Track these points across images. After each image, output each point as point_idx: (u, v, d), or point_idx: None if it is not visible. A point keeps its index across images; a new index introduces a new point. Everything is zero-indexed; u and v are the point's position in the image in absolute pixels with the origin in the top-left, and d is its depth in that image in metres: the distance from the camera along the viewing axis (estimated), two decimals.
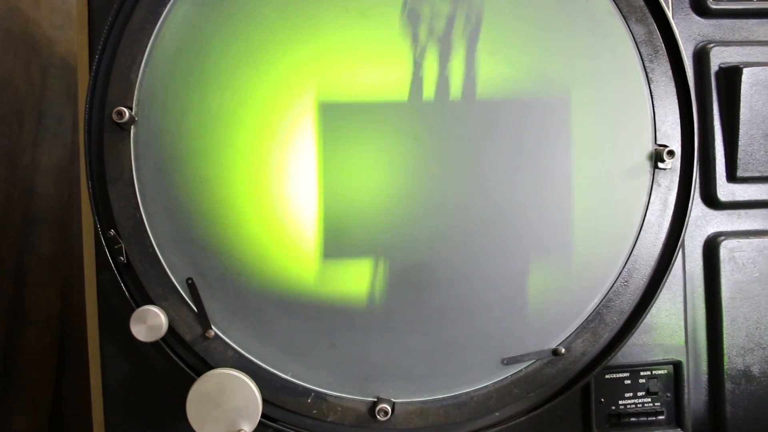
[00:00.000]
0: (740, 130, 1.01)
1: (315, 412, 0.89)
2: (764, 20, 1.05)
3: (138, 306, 0.87)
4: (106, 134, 0.88)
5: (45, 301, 1.53)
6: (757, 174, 1.02)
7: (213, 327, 0.88)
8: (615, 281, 0.93)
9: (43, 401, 1.49)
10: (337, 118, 0.89)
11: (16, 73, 1.44)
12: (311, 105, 0.90)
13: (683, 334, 1.00)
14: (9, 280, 1.37)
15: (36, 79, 1.54)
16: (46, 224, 1.56)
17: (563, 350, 0.91)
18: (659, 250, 0.94)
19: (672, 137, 0.93)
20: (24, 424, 1.41)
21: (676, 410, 1.00)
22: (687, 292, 1.01)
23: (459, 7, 0.90)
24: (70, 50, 1.73)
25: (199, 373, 0.86)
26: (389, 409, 0.88)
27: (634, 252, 0.93)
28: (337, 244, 0.89)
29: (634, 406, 0.99)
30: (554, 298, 0.91)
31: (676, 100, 0.94)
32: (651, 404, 1.00)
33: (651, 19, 0.94)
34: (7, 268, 1.36)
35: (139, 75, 0.88)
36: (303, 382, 0.89)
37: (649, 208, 0.93)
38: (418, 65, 0.89)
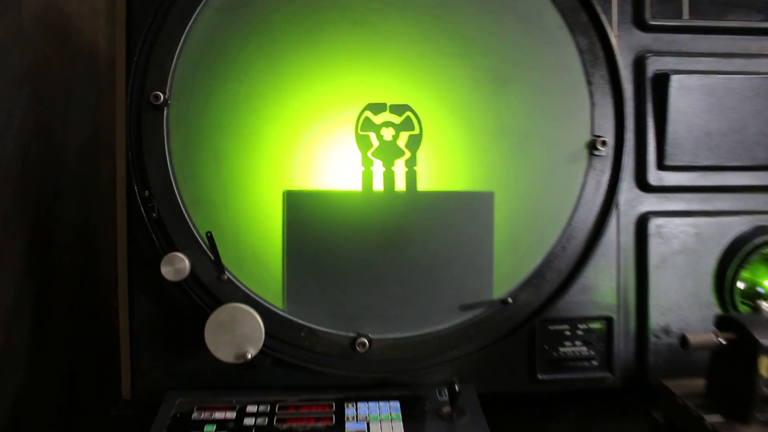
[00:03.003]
0: (668, 127, 1.25)
1: (307, 343, 1.13)
2: (693, 35, 1.29)
3: (166, 254, 1.10)
4: (144, 113, 1.12)
5: (69, 263, 1.77)
6: (681, 163, 1.26)
7: (227, 272, 1.12)
8: (555, 245, 1.17)
9: (64, 352, 1.73)
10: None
11: (52, 60, 1.67)
12: (310, 97, 1.14)
13: (615, 294, 1.24)
14: (37, 245, 1.60)
15: (66, 65, 1.77)
16: (72, 195, 1.80)
17: (510, 300, 1.16)
18: (593, 221, 1.18)
19: (606, 130, 1.18)
20: (49, 371, 1.64)
21: (607, 358, 1.24)
22: (620, 260, 1.25)
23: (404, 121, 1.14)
24: (93, 39, 1.96)
25: (214, 310, 1.10)
26: (367, 343, 1.12)
27: (571, 222, 1.17)
28: (328, 219, 1.13)
29: (572, 353, 1.23)
30: (504, 257, 1.16)
31: (611, 100, 1.18)
32: (586, 352, 1.24)
33: (593, 32, 1.18)
34: (38, 234, 1.59)
35: (173, 66, 1.12)
36: (298, 319, 1.13)
37: (586, 187, 1.17)
38: (371, 162, 1.14)
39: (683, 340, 0.91)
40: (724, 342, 0.89)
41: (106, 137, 2.10)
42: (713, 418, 0.89)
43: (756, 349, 0.85)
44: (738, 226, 1.28)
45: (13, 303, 1.46)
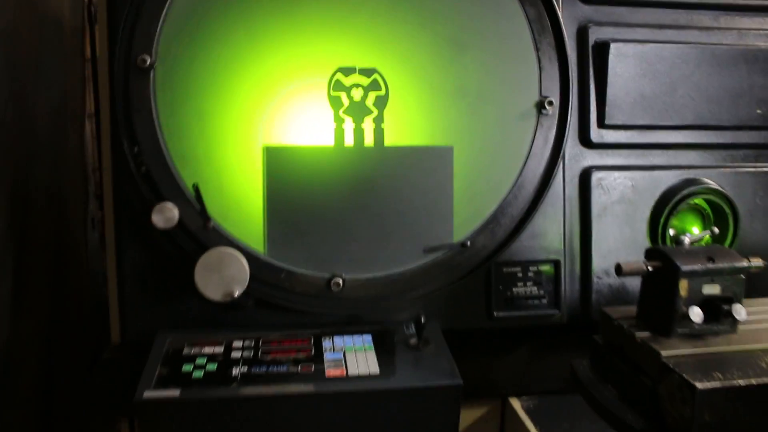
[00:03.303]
0: (608, 90, 1.41)
1: (286, 284, 1.26)
2: (630, 8, 1.45)
3: (154, 205, 1.21)
4: (131, 76, 1.22)
5: (44, 225, 1.85)
6: (619, 123, 1.42)
7: (212, 220, 1.23)
8: (507, 194, 1.32)
9: (43, 309, 1.81)
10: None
11: (21, 26, 1.74)
12: (286, 60, 1.26)
13: (562, 240, 1.41)
14: (16, 208, 1.68)
15: (35, 32, 1.84)
16: (45, 159, 1.87)
17: (469, 244, 1.31)
18: (541, 173, 1.34)
19: (552, 91, 1.33)
20: (29, 328, 1.73)
21: (555, 297, 1.41)
22: (566, 209, 1.41)
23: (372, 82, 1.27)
24: (58, 7, 2.03)
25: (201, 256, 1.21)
26: (341, 282, 1.26)
27: (522, 174, 1.32)
28: (304, 172, 1.26)
29: (524, 292, 1.39)
30: (463, 205, 1.30)
31: (557, 65, 1.33)
32: (537, 291, 1.40)
33: (540, 4, 1.32)
34: (16, 197, 1.67)
35: (158, 31, 1.22)
36: (278, 262, 1.26)
37: (534, 142, 1.33)
38: (342, 120, 1.27)
39: (618, 267, 1.07)
40: (651, 268, 1.05)
41: (72, 103, 2.17)
42: (642, 335, 1.05)
43: (677, 274, 1.02)
44: (669, 179, 1.45)
45: None
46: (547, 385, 1.44)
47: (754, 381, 0.91)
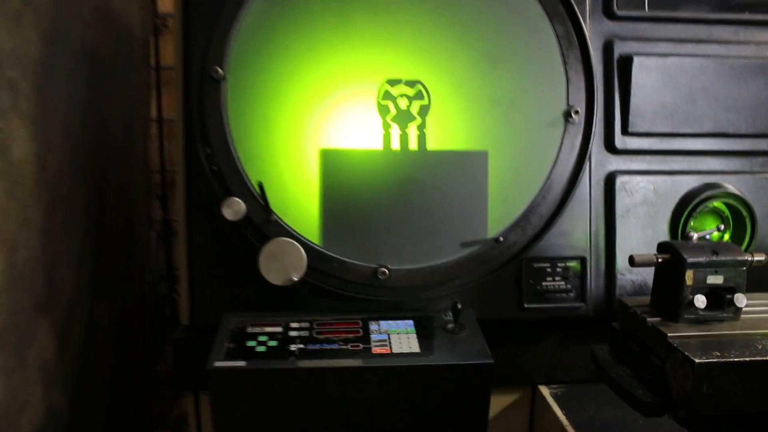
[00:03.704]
0: (631, 100, 1.56)
1: (338, 273, 1.44)
2: (652, 24, 1.60)
3: (223, 200, 1.41)
4: (206, 86, 1.42)
5: (116, 220, 2.07)
6: (642, 130, 1.58)
7: (274, 214, 1.42)
8: (537, 195, 1.49)
9: (116, 295, 2.04)
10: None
11: (101, 43, 1.96)
12: (340, 73, 1.44)
13: (588, 238, 1.56)
14: (93, 203, 1.90)
15: (111, 45, 2.06)
16: (116, 161, 2.10)
17: (501, 239, 1.47)
18: (568, 176, 1.50)
19: (579, 101, 1.49)
20: (104, 310, 1.95)
21: (581, 291, 1.56)
22: (592, 210, 1.57)
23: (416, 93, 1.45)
24: (130, 22, 2.25)
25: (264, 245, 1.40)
26: (387, 272, 1.44)
27: (550, 176, 1.49)
28: (355, 172, 1.44)
29: (552, 286, 1.55)
30: (496, 204, 1.47)
31: (583, 77, 1.50)
32: (564, 286, 1.55)
33: (569, 21, 1.49)
34: (93, 193, 1.89)
35: (229, 47, 1.42)
36: (331, 253, 1.45)
37: (562, 148, 1.49)
38: (390, 126, 1.45)
39: (631, 258, 1.22)
40: (660, 260, 1.20)
41: (139, 108, 2.40)
42: (653, 320, 1.20)
43: (683, 265, 1.17)
44: (689, 183, 1.59)
45: (80, 249, 1.77)
46: (574, 374, 1.60)
47: (747, 358, 1.06)
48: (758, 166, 1.64)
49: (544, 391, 1.59)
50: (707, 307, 1.18)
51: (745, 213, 1.59)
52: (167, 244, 2.86)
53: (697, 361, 1.05)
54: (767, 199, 1.60)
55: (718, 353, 1.07)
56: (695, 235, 1.26)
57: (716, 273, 1.18)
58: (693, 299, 1.17)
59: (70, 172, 1.71)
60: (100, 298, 1.90)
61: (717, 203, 1.60)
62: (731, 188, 1.59)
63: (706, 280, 1.18)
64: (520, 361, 1.59)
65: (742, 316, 1.21)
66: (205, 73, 1.42)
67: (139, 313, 2.33)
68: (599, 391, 1.53)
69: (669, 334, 1.13)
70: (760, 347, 1.10)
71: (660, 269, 1.23)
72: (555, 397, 1.57)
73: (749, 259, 1.19)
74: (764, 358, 1.06)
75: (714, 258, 1.17)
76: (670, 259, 1.20)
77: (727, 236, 1.62)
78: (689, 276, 1.17)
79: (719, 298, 1.18)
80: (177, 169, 1.53)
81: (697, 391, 1.05)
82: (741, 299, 1.17)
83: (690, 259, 1.17)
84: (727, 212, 1.61)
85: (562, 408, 1.52)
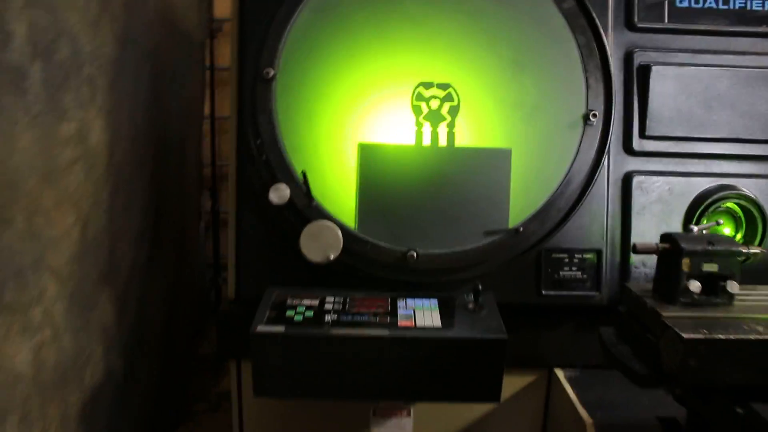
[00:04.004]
0: (649, 105, 1.71)
1: (371, 254, 1.63)
2: (671, 35, 1.75)
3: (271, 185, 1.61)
4: (258, 84, 1.62)
5: (170, 207, 2.30)
6: (658, 134, 1.73)
7: (315, 200, 1.62)
8: (556, 190, 1.65)
9: (168, 276, 2.26)
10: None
11: (162, 45, 2.20)
12: (378, 76, 1.63)
13: (604, 233, 1.71)
14: (152, 192, 2.13)
15: (172, 48, 2.30)
16: (174, 154, 2.33)
17: (521, 229, 1.64)
18: (586, 173, 1.66)
19: (597, 105, 1.65)
20: (158, 289, 2.18)
21: (597, 281, 1.72)
22: (609, 207, 1.72)
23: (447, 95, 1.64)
24: (189, 26, 2.49)
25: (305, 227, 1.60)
26: (415, 255, 1.62)
27: (569, 173, 1.65)
28: (390, 165, 1.63)
29: (569, 276, 1.71)
30: (518, 197, 1.64)
31: (602, 84, 1.65)
32: (581, 276, 1.71)
33: (589, 32, 1.65)
34: (149, 188, 2.12)
35: (279, 49, 1.62)
36: (366, 236, 1.63)
37: (581, 147, 1.65)
38: (422, 125, 1.64)
39: (633, 246, 1.37)
40: (661, 248, 1.35)
41: (194, 106, 2.63)
42: (652, 302, 1.35)
43: (681, 253, 1.32)
44: (703, 184, 1.74)
45: (138, 229, 2.00)
46: (588, 359, 1.74)
47: (732, 336, 1.21)
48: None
49: (560, 373, 1.75)
50: (702, 293, 1.32)
51: (757, 214, 1.73)
52: (215, 235, 3.09)
53: (685, 336, 1.20)
54: None
55: (705, 331, 1.22)
56: (695, 228, 1.41)
57: (711, 261, 1.33)
58: (688, 285, 1.32)
59: (133, 160, 1.94)
60: (153, 278, 2.13)
61: (730, 204, 1.73)
62: (744, 190, 1.72)
63: (701, 267, 1.33)
64: (538, 345, 1.75)
65: (738, 303, 1.35)
66: (258, 73, 1.63)
67: (187, 296, 2.56)
68: (611, 375, 1.68)
69: (664, 314, 1.28)
70: (745, 328, 1.24)
71: (661, 257, 1.39)
72: (569, 379, 1.73)
73: (743, 250, 1.33)
74: (747, 337, 1.20)
75: (709, 247, 1.32)
76: (670, 248, 1.35)
77: (739, 236, 1.75)
78: (686, 263, 1.32)
79: (713, 285, 1.33)
80: (228, 162, 1.74)
81: (684, 364, 1.20)
82: (734, 286, 1.31)
83: (687, 248, 1.32)
84: (740, 213, 1.75)
85: (574, 389, 1.68)
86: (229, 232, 1.74)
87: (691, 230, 1.41)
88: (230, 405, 1.86)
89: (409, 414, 1.78)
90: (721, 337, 1.21)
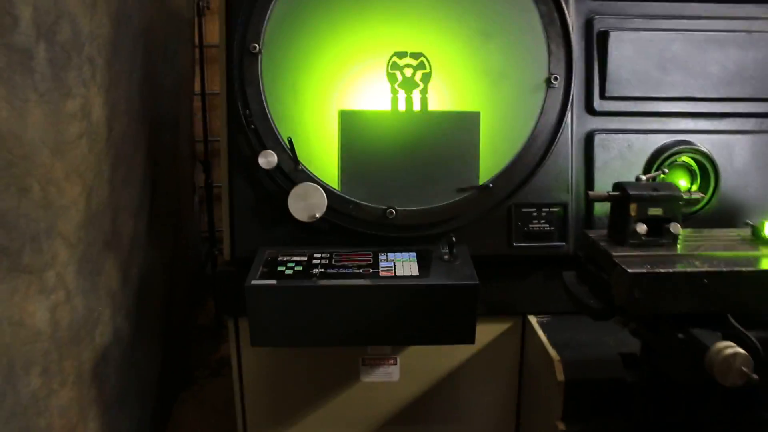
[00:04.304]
0: (608, 68, 1.89)
1: (354, 213, 1.82)
2: (629, 2, 1.92)
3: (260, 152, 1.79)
4: (245, 58, 1.80)
5: (166, 178, 2.48)
6: (617, 95, 1.91)
7: (300, 164, 1.80)
8: (522, 148, 1.83)
9: (167, 244, 2.45)
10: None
11: (155, 22, 2.36)
12: (357, 47, 1.81)
13: (569, 188, 1.90)
14: (149, 164, 2.31)
15: (163, 26, 2.46)
16: (168, 127, 2.51)
17: (491, 185, 1.83)
18: (550, 132, 1.84)
19: (559, 69, 1.83)
20: (158, 257, 2.36)
21: (564, 232, 1.90)
22: (573, 164, 1.90)
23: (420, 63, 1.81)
24: (179, 3, 2.65)
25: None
26: (394, 212, 1.81)
27: (534, 132, 1.83)
28: (368, 129, 1.81)
29: (538, 228, 1.90)
30: (487, 155, 1.82)
31: (563, 49, 1.83)
32: (548, 228, 1.90)
33: (551, 2, 1.83)
34: (145, 162, 2.30)
35: (264, 26, 1.80)
36: (348, 196, 1.82)
37: (544, 109, 1.83)
38: (397, 92, 1.82)
39: (587, 194, 1.56)
40: (611, 196, 1.54)
41: (185, 83, 2.80)
42: (605, 245, 1.54)
43: (628, 199, 1.50)
44: (660, 140, 1.92)
45: (137, 201, 2.18)
46: (559, 306, 1.93)
47: (671, 270, 1.39)
48: (723, 126, 1.95)
49: (532, 320, 1.95)
50: (648, 234, 1.51)
51: (709, 167, 1.91)
52: (210, 208, 3.28)
53: (629, 270, 1.38)
54: (730, 155, 1.92)
55: (649, 266, 1.41)
56: (643, 177, 1.59)
57: (656, 206, 1.51)
58: (636, 227, 1.50)
59: (130, 136, 2.11)
60: (153, 247, 2.32)
61: (685, 158, 1.92)
62: (698, 145, 1.91)
63: (647, 212, 1.51)
64: (511, 294, 1.94)
65: (685, 243, 1.54)
66: (245, 48, 1.80)
67: (184, 267, 2.75)
68: (580, 319, 1.88)
69: (614, 254, 1.47)
70: (684, 263, 1.43)
71: (612, 205, 1.57)
72: (541, 324, 1.93)
73: (684, 195, 1.52)
74: (684, 270, 1.39)
75: (653, 193, 1.51)
76: (619, 196, 1.53)
77: (695, 187, 1.94)
78: (633, 208, 1.50)
79: (659, 227, 1.52)
80: (219, 137, 1.92)
81: (631, 296, 1.39)
82: (676, 227, 1.50)
83: (633, 194, 1.50)
84: (695, 166, 1.93)
85: (545, 332, 1.87)
86: (223, 197, 1.92)
87: (640, 179, 1.60)
88: (230, 371, 2.05)
89: (395, 362, 1.99)
90: (662, 270, 1.39)
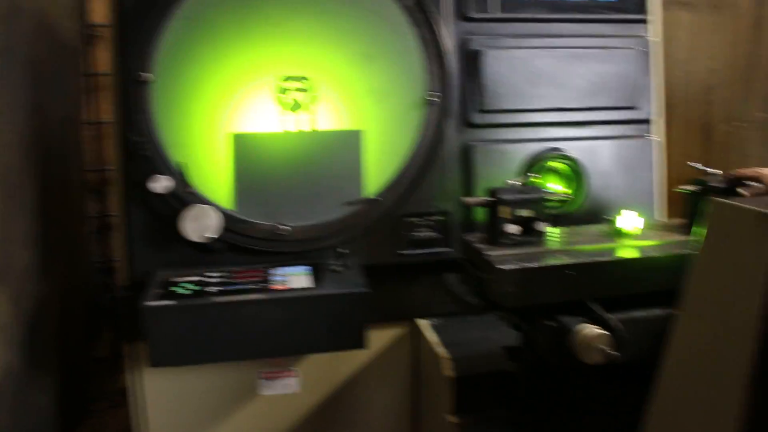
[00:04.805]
0: (483, 84, 2.11)
1: (249, 232, 1.95)
2: (500, 23, 2.15)
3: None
4: (134, 88, 1.91)
5: (58, 210, 2.54)
6: (492, 108, 2.12)
7: (192, 187, 1.92)
8: (406, 162, 2.02)
9: (63, 272, 2.51)
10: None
11: (42, 53, 2.44)
12: (245, 74, 1.95)
13: (452, 196, 2.09)
14: (40, 195, 2.37)
15: (52, 57, 2.54)
16: (57, 157, 2.57)
17: (380, 198, 2.00)
18: (430, 145, 2.03)
19: (437, 87, 2.03)
20: (51, 287, 2.42)
21: (448, 238, 2.09)
22: (455, 173, 2.10)
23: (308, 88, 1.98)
24: (68, 35, 2.73)
25: None
26: (287, 228, 1.95)
27: (417, 145, 2.03)
28: (260, 151, 1.95)
29: (423, 236, 2.08)
30: (373, 170, 2.00)
31: (440, 69, 2.04)
32: (434, 235, 2.08)
33: (427, 25, 2.03)
34: (35, 193, 2.36)
35: (153, 54, 1.92)
36: (243, 216, 1.95)
37: (425, 122, 2.03)
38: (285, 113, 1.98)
39: (462, 201, 1.75)
40: (484, 201, 1.73)
41: (74, 111, 2.88)
42: (480, 246, 1.72)
43: (498, 202, 1.70)
44: (533, 148, 2.15)
45: (30, 232, 2.24)
46: (447, 309, 2.11)
47: (539, 264, 1.59)
48: (588, 133, 2.20)
49: (422, 323, 2.12)
50: (519, 234, 1.71)
51: (578, 171, 2.15)
52: (104, 237, 3.33)
53: (500, 268, 1.57)
54: (595, 159, 2.17)
55: (518, 263, 1.60)
56: (512, 182, 1.80)
57: (525, 208, 1.71)
58: (506, 228, 1.70)
59: (19, 166, 2.18)
60: (46, 278, 2.38)
61: (557, 163, 2.15)
62: (566, 151, 2.14)
63: (517, 213, 1.71)
64: (402, 300, 2.12)
65: (555, 240, 1.74)
66: (135, 77, 1.92)
67: (79, 297, 2.80)
68: (469, 320, 2.08)
69: (487, 254, 1.66)
70: (550, 259, 1.63)
71: (487, 209, 1.76)
72: (431, 327, 2.10)
73: (549, 197, 1.73)
74: (550, 264, 1.59)
75: (521, 196, 1.71)
76: (491, 200, 1.73)
77: (571, 190, 2.17)
78: (504, 211, 1.70)
79: (528, 227, 1.72)
80: (113, 166, 2.02)
81: (504, 291, 1.57)
82: (541, 226, 1.70)
83: (502, 198, 1.70)
84: (566, 171, 2.17)
85: (435, 333, 2.05)
86: (119, 223, 2.02)
87: (509, 184, 1.80)
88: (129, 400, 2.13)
89: (294, 374, 2.12)
90: (531, 265, 1.59)
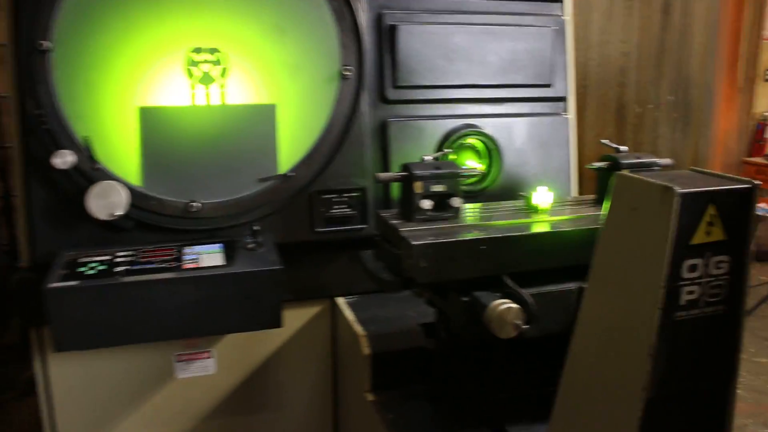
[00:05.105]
0: (398, 59, 2.13)
1: (158, 209, 1.93)
2: None
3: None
4: (34, 57, 1.86)
5: None
6: (408, 84, 2.15)
7: (98, 162, 1.89)
8: (319, 137, 2.03)
9: None
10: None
11: None
12: (154, 44, 1.92)
13: (368, 172, 2.12)
14: None
15: None
16: None
17: (293, 174, 2.00)
18: (344, 120, 2.05)
19: (351, 62, 2.04)
20: None
21: (364, 215, 2.12)
22: (370, 149, 2.12)
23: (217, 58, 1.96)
24: None
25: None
26: (199, 205, 1.94)
27: (330, 122, 2.04)
28: (169, 125, 1.93)
29: (339, 213, 2.10)
30: (286, 144, 2.00)
31: (354, 43, 2.05)
32: (349, 211, 2.11)
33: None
34: None
35: (53, 22, 1.86)
36: (152, 192, 1.93)
37: (339, 99, 2.04)
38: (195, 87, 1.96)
39: (375, 176, 1.78)
40: (398, 176, 1.76)
41: None
42: (395, 222, 1.75)
43: (412, 178, 1.73)
44: (449, 124, 2.19)
45: None
46: (365, 286, 2.14)
47: (451, 239, 1.63)
48: (503, 110, 2.25)
49: (340, 301, 2.15)
50: (433, 209, 1.74)
51: (493, 147, 2.20)
52: (8, 219, 3.22)
53: (414, 243, 1.60)
54: (510, 136, 2.23)
55: (432, 238, 1.63)
56: (428, 158, 1.83)
57: (439, 183, 1.75)
58: (421, 204, 1.73)
59: None
60: None
61: (472, 140, 2.20)
62: (481, 128, 2.19)
63: (431, 188, 1.74)
64: (319, 278, 2.14)
65: (471, 215, 1.78)
66: (33, 46, 1.86)
67: None
68: (386, 297, 2.11)
69: (401, 229, 1.69)
70: (464, 234, 1.67)
71: (401, 184, 1.79)
72: (348, 304, 2.13)
73: (463, 173, 1.77)
74: (462, 238, 1.63)
75: (435, 171, 1.74)
76: (405, 175, 1.76)
77: (485, 166, 2.23)
78: (418, 186, 1.73)
79: (442, 202, 1.75)
80: (13, 144, 1.95)
81: (416, 265, 1.60)
82: (456, 201, 1.75)
83: (416, 173, 1.73)
84: (481, 147, 2.22)
85: (352, 311, 2.08)
86: (19, 201, 1.96)
87: (423, 159, 1.83)
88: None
89: (210, 355, 2.12)
90: (444, 240, 1.62)
